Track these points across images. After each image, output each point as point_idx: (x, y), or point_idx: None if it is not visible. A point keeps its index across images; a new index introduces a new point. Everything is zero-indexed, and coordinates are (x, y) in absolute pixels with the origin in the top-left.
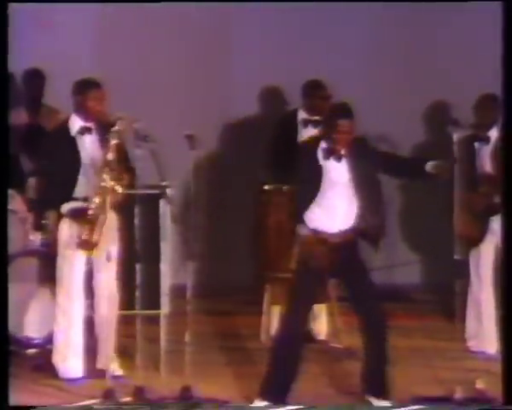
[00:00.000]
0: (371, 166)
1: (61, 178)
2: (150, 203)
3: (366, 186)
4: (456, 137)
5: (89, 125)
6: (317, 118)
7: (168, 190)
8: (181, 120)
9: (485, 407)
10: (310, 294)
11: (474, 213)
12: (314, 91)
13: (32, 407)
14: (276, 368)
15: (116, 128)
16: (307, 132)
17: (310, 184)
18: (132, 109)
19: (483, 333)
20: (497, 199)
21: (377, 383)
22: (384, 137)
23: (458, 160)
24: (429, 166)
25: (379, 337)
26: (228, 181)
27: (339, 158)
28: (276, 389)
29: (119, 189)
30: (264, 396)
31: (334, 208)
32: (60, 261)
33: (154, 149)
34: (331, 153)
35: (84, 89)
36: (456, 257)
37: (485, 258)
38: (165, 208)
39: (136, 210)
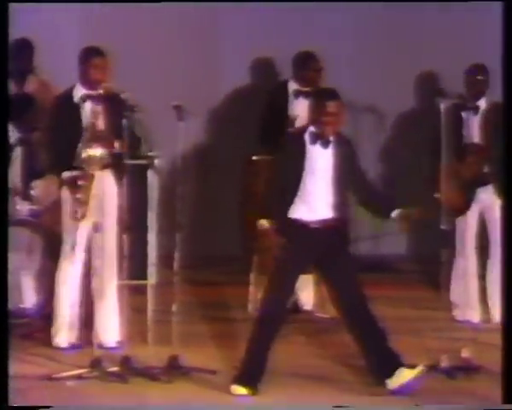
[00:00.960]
0: (352, 156)
1: (63, 145)
2: (138, 174)
3: (348, 176)
4: (443, 106)
5: (91, 93)
6: (308, 89)
7: (156, 161)
8: (169, 91)
9: (486, 406)
10: (290, 281)
11: (461, 183)
12: (306, 63)
13: (31, 407)
14: (255, 348)
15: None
16: (298, 104)
17: (294, 171)
18: (120, 80)
19: (468, 302)
20: (484, 169)
21: (384, 360)
22: (372, 107)
23: (445, 129)
24: (395, 213)
25: (365, 318)
26: (216, 152)
27: (326, 143)
28: (253, 371)
29: (110, 158)
30: (240, 380)
31: (316, 195)
32: (64, 232)
33: (142, 119)
34: (318, 137)
35: (87, 57)
36: (442, 227)
37: (470, 228)
38: (152, 179)
39: (124, 180)
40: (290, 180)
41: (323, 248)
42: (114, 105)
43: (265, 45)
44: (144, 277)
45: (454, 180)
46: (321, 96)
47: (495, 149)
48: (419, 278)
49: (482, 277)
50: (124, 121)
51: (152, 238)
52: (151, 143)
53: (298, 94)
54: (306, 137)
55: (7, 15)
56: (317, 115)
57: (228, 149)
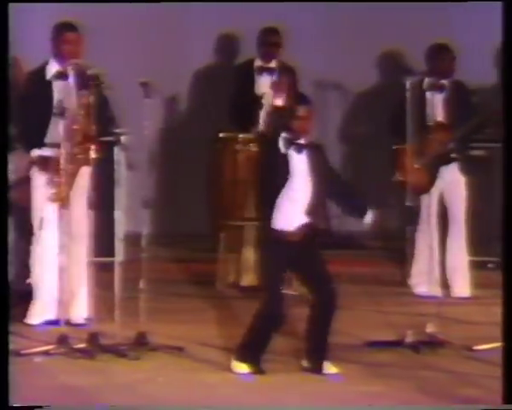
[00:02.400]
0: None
1: (33, 122)
2: (105, 150)
3: (323, 179)
4: (408, 84)
5: (64, 69)
6: (271, 65)
7: (123, 137)
8: (136, 68)
9: (484, 407)
10: (279, 284)
11: (425, 161)
12: (267, 38)
13: (31, 407)
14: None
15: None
16: (262, 80)
17: (273, 175)
18: (87, 56)
19: (431, 278)
20: (448, 147)
21: (319, 351)
22: (338, 84)
23: (410, 107)
24: (367, 218)
25: (326, 317)
26: (183, 128)
27: (299, 149)
28: (255, 349)
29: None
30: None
31: (296, 200)
32: (33, 209)
33: (110, 95)
34: (291, 143)
35: (60, 32)
36: (407, 204)
37: (433, 205)
38: (119, 155)
39: (91, 157)
40: (269, 188)
41: (298, 252)
42: (84, 81)
43: (233, 22)
44: (112, 254)
45: (418, 158)
46: (292, 101)
47: (458, 127)
48: (384, 254)
49: (443, 252)
50: (91, 98)
51: (119, 215)
52: (118, 119)
53: (261, 70)
54: (280, 143)
55: (7, 15)
56: (288, 121)
57: (195, 126)
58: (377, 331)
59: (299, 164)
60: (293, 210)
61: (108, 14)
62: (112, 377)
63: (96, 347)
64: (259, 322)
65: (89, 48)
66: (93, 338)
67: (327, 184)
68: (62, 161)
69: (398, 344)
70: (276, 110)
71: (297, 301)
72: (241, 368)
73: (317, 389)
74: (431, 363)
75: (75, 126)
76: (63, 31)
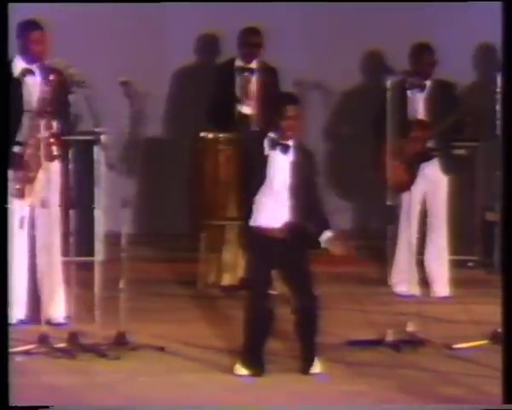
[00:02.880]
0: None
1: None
2: (85, 149)
3: (305, 182)
4: (389, 83)
5: (31, 67)
6: (251, 66)
7: (103, 137)
8: (116, 67)
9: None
10: (265, 286)
11: (405, 159)
12: (248, 38)
13: (31, 407)
14: (254, 338)
15: (56, 71)
16: (242, 80)
17: (255, 176)
18: (68, 55)
19: (411, 277)
20: (428, 145)
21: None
22: (318, 84)
23: (391, 106)
24: (323, 238)
25: (310, 324)
26: (164, 128)
27: (285, 149)
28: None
29: (54, 135)
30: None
31: (274, 203)
32: (12, 209)
33: (89, 94)
34: (278, 143)
35: (25, 30)
36: (388, 203)
37: (414, 203)
38: (99, 155)
39: (71, 156)
40: (250, 185)
41: (281, 253)
42: (60, 80)
43: (214, 21)
44: (91, 253)
45: (399, 156)
46: (280, 100)
47: (440, 126)
48: (365, 253)
49: (423, 252)
50: (70, 97)
51: (99, 215)
52: (98, 118)
53: (242, 70)
54: (266, 143)
55: (7, 15)
56: (276, 120)
57: (176, 126)
58: (358, 331)
59: (283, 164)
60: (275, 209)
61: (89, 13)
62: (92, 376)
63: (76, 346)
64: (250, 325)
65: (69, 47)
66: (73, 338)
67: (303, 191)
68: (27, 158)
69: (378, 343)
70: (245, 118)
71: (279, 300)
72: (245, 372)
73: (300, 388)
74: (411, 362)
75: (40, 123)
76: (28, 29)
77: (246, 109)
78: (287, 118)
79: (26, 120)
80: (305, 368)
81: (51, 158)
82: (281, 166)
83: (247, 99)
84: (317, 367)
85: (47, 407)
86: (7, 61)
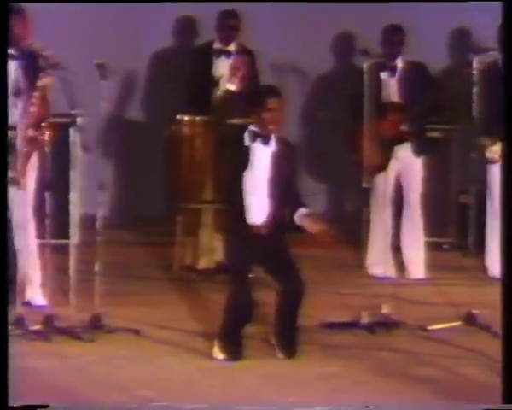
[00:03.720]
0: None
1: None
2: (60, 132)
3: (286, 173)
4: (365, 66)
5: (12, 51)
6: (229, 48)
7: (79, 119)
8: (92, 49)
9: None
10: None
11: (380, 142)
12: (226, 21)
13: (31, 406)
14: (229, 327)
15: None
16: (221, 63)
17: (237, 169)
18: (43, 37)
19: (386, 259)
20: (402, 127)
21: (287, 341)
22: (293, 66)
23: (367, 89)
24: (299, 214)
25: (293, 307)
26: (140, 110)
27: (266, 141)
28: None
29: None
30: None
31: (257, 195)
32: None
33: (65, 76)
34: (259, 135)
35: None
36: (363, 185)
37: (388, 185)
38: (75, 137)
39: (47, 138)
40: (232, 179)
41: (264, 247)
42: (35, 63)
43: (191, 4)
44: (67, 236)
45: (373, 139)
46: (262, 93)
47: (412, 108)
48: (340, 236)
49: (397, 233)
50: (46, 79)
51: (74, 197)
52: (73, 101)
53: (219, 53)
54: (246, 136)
55: (7, 15)
56: (257, 112)
57: (152, 108)
58: (333, 313)
59: (265, 156)
60: (258, 203)
61: None
62: (67, 359)
63: (51, 329)
64: (230, 313)
65: (45, 29)
66: (48, 320)
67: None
68: (18, 144)
69: (353, 325)
70: (227, 94)
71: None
72: (222, 356)
73: (274, 370)
74: (386, 344)
75: (31, 109)
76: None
77: (230, 85)
78: (268, 110)
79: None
80: (288, 352)
81: (42, 144)
82: (263, 159)
83: (233, 76)
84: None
85: (46, 406)
86: (7, 62)
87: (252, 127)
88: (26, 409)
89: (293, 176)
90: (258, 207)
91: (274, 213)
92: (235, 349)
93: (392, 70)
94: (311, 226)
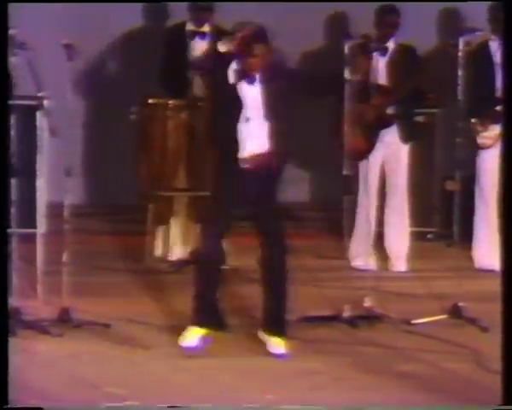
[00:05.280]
0: (283, 86)
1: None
2: (26, 115)
3: (277, 110)
4: (347, 47)
5: None
6: (203, 29)
7: (46, 102)
8: (59, 28)
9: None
10: (223, 217)
11: (364, 125)
12: (198, 1)
13: (31, 407)
14: (200, 292)
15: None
16: (195, 45)
17: (222, 106)
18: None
19: (369, 250)
20: (388, 110)
21: (275, 319)
22: (276, 49)
23: (350, 71)
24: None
25: (279, 266)
26: (110, 94)
27: (252, 81)
28: (205, 311)
29: None
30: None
31: (247, 132)
32: None
33: (31, 57)
34: (244, 75)
35: None
36: (344, 172)
37: (373, 172)
38: (42, 121)
39: (12, 122)
40: (224, 117)
41: (253, 185)
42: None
43: None
44: (33, 225)
45: (357, 123)
46: (248, 37)
47: (399, 91)
48: (321, 226)
49: (382, 224)
50: (12, 59)
51: (41, 184)
52: (40, 82)
53: (193, 35)
54: (230, 74)
55: (7, 15)
56: (243, 55)
57: (122, 92)
58: (313, 306)
59: (252, 94)
60: (247, 138)
61: None
62: (34, 355)
63: (17, 323)
64: (201, 269)
65: (10, 8)
66: (15, 314)
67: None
68: None
69: (334, 319)
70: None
71: (234, 275)
72: (199, 333)
73: (253, 367)
74: (369, 338)
75: None
76: None
77: (222, 47)
78: (253, 56)
79: None
80: (275, 330)
81: None
82: (249, 97)
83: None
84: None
85: (40, 408)
86: (7, 62)
87: (235, 66)
88: (25, 409)
89: (283, 105)
90: (250, 142)
91: (267, 149)
92: (212, 318)
93: (383, 52)
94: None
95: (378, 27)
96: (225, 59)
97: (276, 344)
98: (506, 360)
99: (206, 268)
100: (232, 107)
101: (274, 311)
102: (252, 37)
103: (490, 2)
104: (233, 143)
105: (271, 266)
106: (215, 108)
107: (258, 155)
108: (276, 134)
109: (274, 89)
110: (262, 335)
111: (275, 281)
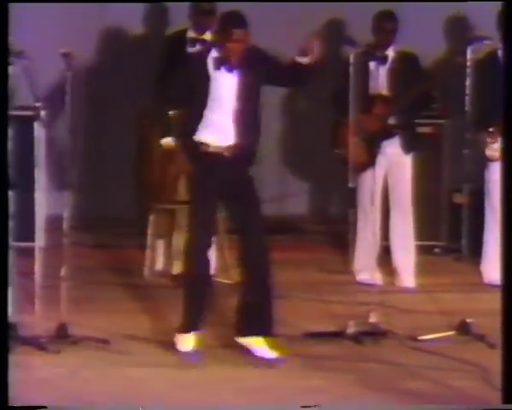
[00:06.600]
0: (263, 75)
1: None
2: (24, 126)
3: (252, 100)
4: (352, 57)
5: None
6: (204, 37)
7: (43, 112)
8: (58, 37)
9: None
10: (208, 219)
11: (365, 137)
12: (200, 7)
13: (32, 407)
14: (187, 302)
15: None
16: None
17: (198, 97)
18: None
19: (373, 265)
20: (389, 120)
21: (257, 320)
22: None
23: (352, 80)
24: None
25: (260, 269)
26: (109, 104)
27: (230, 68)
28: (192, 321)
29: None
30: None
31: (221, 122)
32: None
33: (29, 66)
34: (222, 62)
35: None
36: (350, 185)
37: (376, 185)
38: (40, 132)
39: (9, 133)
40: (194, 105)
41: (228, 176)
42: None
43: None
44: (31, 238)
45: (358, 134)
46: (227, 22)
47: (402, 101)
48: (325, 239)
49: (386, 237)
50: (9, 68)
51: (40, 197)
52: (38, 92)
53: (194, 42)
54: (209, 61)
55: (7, 15)
56: (221, 41)
57: (122, 101)
58: (317, 322)
59: (229, 83)
60: (223, 128)
61: None
62: (31, 371)
63: (14, 339)
64: (185, 288)
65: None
66: (11, 329)
67: (276, 73)
68: None
69: (339, 335)
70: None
71: (232, 290)
72: (187, 343)
73: (254, 384)
74: (374, 355)
75: None
76: None
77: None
78: (232, 41)
79: None
80: (260, 331)
81: None
82: (227, 86)
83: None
84: (271, 347)
85: (44, 406)
86: (7, 62)
87: (214, 53)
88: (26, 409)
89: (276, 68)
90: (222, 132)
91: (238, 138)
92: (194, 319)
93: (383, 60)
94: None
95: (376, 35)
96: (204, 46)
97: (266, 347)
98: (506, 360)
99: (192, 284)
100: (206, 95)
101: (261, 308)
102: (230, 22)
103: (498, 11)
104: (206, 134)
105: (254, 261)
106: (190, 96)
107: (233, 145)
108: (250, 124)
109: (251, 78)
110: (246, 341)
111: (259, 277)
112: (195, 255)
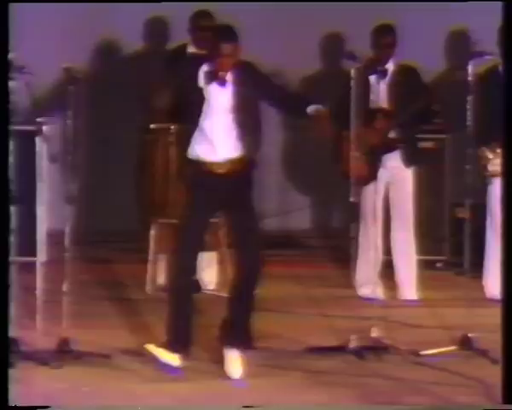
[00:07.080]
0: (255, 92)
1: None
2: (26, 140)
3: (248, 114)
4: (353, 71)
5: None
6: (205, 52)
7: (45, 127)
8: (60, 51)
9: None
10: (197, 236)
11: (366, 150)
12: (200, 22)
13: (32, 407)
14: (172, 317)
15: None
16: None
17: (191, 110)
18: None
19: (375, 279)
20: (390, 134)
21: (238, 332)
22: (277, 72)
23: (353, 94)
24: (310, 109)
25: (247, 283)
26: (110, 119)
27: (222, 83)
28: (178, 337)
29: None
30: (168, 346)
31: (216, 137)
32: None
33: (31, 81)
34: (214, 77)
35: None
36: (351, 199)
37: (377, 198)
38: (41, 146)
39: (11, 147)
40: (187, 120)
41: (225, 191)
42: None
43: (162, 5)
44: (33, 253)
45: (359, 147)
46: (216, 36)
47: (402, 114)
48: (327, 254)
49: (388, 251)
50: (10, 84)
51: (41, 211)
52: (40, 107)
53: (194, 57)
54: (201, 75)
55: (7, 15)
56: (211, 55)
57: (124, 116)
58: (319, 336)
59: (224, 97)
60: (215, 144)
61: None
62: (32, 386)
63: (16, 354)
64: (174, 291)
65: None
66: (13, 344)
67: (265, 97)
68: None
69: (340, 350)
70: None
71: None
72: (172, 359)
73: (256, 398)
74: (376, 369)
75: None
76: None
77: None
78: (222, 55)
79: None
80: (235, 344)
81: None
82: (221, 100)
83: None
84: (237, 365)
85: (46, 407)
86: (7, 62)
87: (205, 68)
88: (26, 409)
89: (268, 87)
90: (217, 146)
91: (233, 152)
92: (182, 346)
93: (382, 74)
94: (322, 123)
95: (375, 49)
96: (195, 61)
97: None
98: (506, 361)
99: (178, 296)
100: (198, 110)
101: (237, 321)
102: (219, 36)
103: (499, 26)
104: (201, 148)
105: (243, 275)
106: (184, 112)
107: (229, 161)
108: (246, 139)
109: (245, 93)
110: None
111: (244, 290)
112: (179, 271)
